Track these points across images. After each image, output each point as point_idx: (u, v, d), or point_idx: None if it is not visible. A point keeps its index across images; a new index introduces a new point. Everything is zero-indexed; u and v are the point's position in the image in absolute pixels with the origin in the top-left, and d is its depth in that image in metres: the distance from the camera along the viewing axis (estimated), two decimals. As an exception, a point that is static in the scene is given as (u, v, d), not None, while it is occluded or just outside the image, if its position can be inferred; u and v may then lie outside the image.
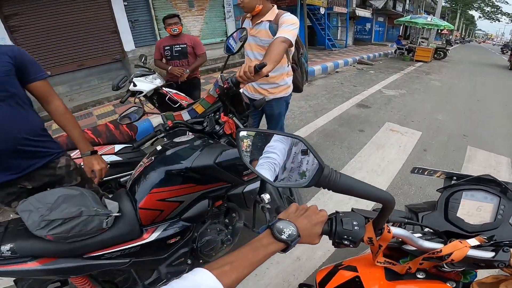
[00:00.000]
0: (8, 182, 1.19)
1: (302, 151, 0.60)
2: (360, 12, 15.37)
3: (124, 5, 5.97)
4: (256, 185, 1.39)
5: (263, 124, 2.31)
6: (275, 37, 1.56)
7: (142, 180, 1.17)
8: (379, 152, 3.18)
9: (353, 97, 5.30)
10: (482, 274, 0.72)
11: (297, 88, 2.18)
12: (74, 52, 5.71)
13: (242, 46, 1.37)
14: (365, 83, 6.57)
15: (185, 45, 2.95)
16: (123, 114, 1.44)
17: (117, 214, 1.08)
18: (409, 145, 3.36)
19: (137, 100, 2.31)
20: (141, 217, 1.13)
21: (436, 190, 0.77)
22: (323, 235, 0.61)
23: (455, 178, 0.74)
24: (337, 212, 0.62)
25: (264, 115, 2.19)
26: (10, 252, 0.95)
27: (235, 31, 1.52)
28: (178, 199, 1.17)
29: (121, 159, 1.84)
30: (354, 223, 0.58)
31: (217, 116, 1.36)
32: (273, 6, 1.78)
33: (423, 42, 12.24)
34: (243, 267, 0.51)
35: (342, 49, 12.72)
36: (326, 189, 0.52)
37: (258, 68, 1.15)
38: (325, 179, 0.50)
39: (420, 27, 12.69)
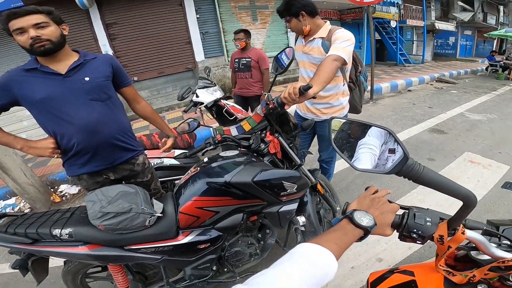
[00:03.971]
0: (98, 172, 1.42)
1: (390, 150, 0.64)
2: (441, 25, 13.67)
3: (197, 17, 6.63)
4: (293, 206, 1.38)
5: (314, 145, 2.24)
6: (327, 55, 1.49)
7: (187, 187, 1.27)
8: (450, 185, 2.76)
9: (426, 120, 4.71)
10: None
11: (354, 109, 2.06)
12: (156, 61, 6.55)
13: (288, 66, 1.38)
14: (443, 105, 5.76)
15: (250, 59, 3.15)
16: (180, 125, 1.59)
17: (160, 215, 1.20)
18: (491, 180, 2.79)
19: (198, 109, 2.52)
20: (180, 221, 1.23)
21: None
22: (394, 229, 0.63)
23: None
24: (410, 207, 0.64)
25: (316, 136, 2.11)
26: (68, 235, 1.12)
27: (285, 48, 1.53)
28: (214, 209, 1.24)
29: (178, 163, 2.03)
30: (427, 219, 0.60)
31: (263, 135, 1.38)
32: (325, 22, 1.73)
33: (523, 57, 10.22)
34: (343, 248, 0.53)
35: (418, 65, 11.53)
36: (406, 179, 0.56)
37: (304, 90, 1.12)
38: (408, 168, 0.55)
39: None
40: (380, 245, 1.95)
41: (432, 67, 11.23)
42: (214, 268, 1.39)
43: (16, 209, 3.21)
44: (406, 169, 0.54)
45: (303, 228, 1.49)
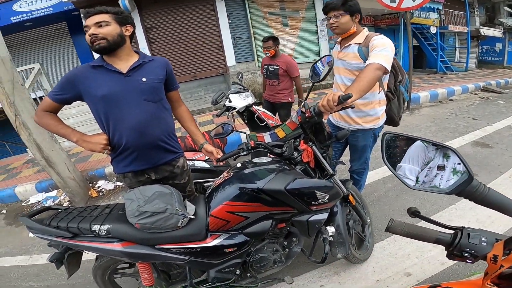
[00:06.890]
0: (142, 170, 1.47)
1: (439, 166, 0.62)
2: (487, 31, 12.68)
3: (229, 22, 6.75)
4: (323, 216, 1.37)
5: (345, 155, 2.16)
6: (368, 62, 1.46)
7: (219, 191, 1.29)
8: (494, 202, 2.50)
9: (469, 133, 4.34)
10: None
11: (392, 120, 1.94)
12: (190, 65, 6.76)
13: (328, 73, 1.35)
14: (489, 116, 5.27)
15: (278, 67, 3.11)
16: (215, 130, 1.62)
17: (192, 217, 1.23)
18: (540, 198, 2.51)
19: (230, 114, 2.56)
20: (210, 223, 1.25)
21: None
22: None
23: None
24: (463, 227, 0.62)
25: (348, 145, 2.02)
26: (105, 232, 1.18)
27: (323, 56, 1.51)
28: (244, 215, 1.25)
29: (209, 166, 2.08)
30: (483, 238, 0.59)
31: (297, 143, 1.37)
32: (363, 28, 1.70)
33: None
34: None
35: (461, 73, 10.72)
36: (468, 200, 0.53)
37: (343, 99, 1.09)
38: (471, 189, 0.53)
39: None
40: (410, 260, 1.83)
41: (477, 75, 10.36)
42: (238, 272, 1.40)
43: (56, 202, 3.46)
44: (469, 190, 0.53)
45: (331, 239, 1.47)
